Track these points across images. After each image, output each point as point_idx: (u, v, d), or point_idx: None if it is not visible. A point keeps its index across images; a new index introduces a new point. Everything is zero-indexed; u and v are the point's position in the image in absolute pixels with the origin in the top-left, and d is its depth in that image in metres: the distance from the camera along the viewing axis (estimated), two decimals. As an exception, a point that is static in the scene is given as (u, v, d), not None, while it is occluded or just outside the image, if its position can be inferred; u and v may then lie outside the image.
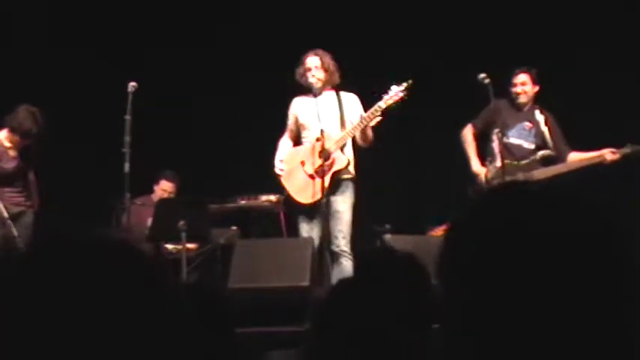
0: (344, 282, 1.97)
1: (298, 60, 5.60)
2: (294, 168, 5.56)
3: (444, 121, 6.52)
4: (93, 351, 0.89)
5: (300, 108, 5.65)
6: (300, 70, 5.58)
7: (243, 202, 6.28)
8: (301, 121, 5.62)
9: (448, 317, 0.96)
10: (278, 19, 7.31)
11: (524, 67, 5.89)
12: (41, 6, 7.29)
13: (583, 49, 6.79)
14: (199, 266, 6.13)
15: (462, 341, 0.94)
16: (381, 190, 7.09)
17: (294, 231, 5.67)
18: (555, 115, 5.92)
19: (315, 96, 5.50)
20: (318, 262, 5.20)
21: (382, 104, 5.39)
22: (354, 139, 5.54)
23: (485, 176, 5.79)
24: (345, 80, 5.64)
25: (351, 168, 5.54)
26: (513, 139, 5.86)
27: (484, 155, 5.90)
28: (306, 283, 4.93)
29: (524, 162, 5.80)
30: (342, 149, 5.48)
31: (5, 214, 5.68)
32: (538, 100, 5.95)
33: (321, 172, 5.35)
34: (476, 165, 5.88)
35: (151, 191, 6.89)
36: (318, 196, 5.35)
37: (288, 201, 5.64)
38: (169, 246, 6.26)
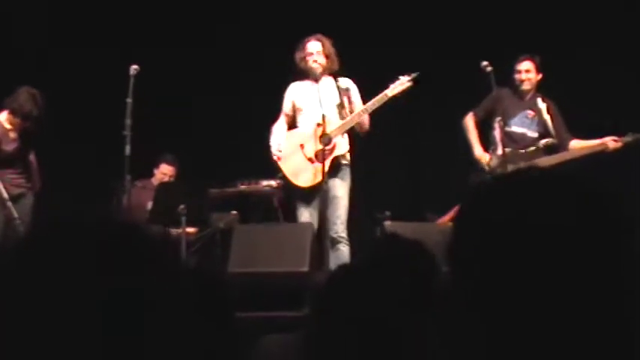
0: (344, 268, 1.98)
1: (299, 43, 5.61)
2: (292, 150, 5.57)
3: (445, 109, 6.52)
4: (97, 331, 0.89)
5: (297, 92, 5.66)
6: (300, 54, 5.58)
7: (243, 187, 6.28)
8: (298, 105, 5.63)
9: (457, 304, 0.96)
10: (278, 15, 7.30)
11: (527, 54, 5.88)
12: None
13: (583, 38, 6.76)
14: (199, 250, 6.14)
15: (470, 327, 0.94)
16: (380, 177, 7.10)
17: (290, 216, 5.68)
18: (557, 103, 5.92)
19: (317, 81, 5.51)
20: (318, 247, 5.21)
21: (389, 92, 5.45)
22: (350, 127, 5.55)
23: (488, 163, 5.79)
24: (346, 69, 5.64)
25: (347, 154, 5.55)
26: (516, 128, 5.86)
27: (486, 144, 5.90)
28: (305, 269, 4.94)
29: (527, 150, 5.81)
30: (342, 135, 5.50)
31: (5, 196, 5.68)
32: (540, 88, 5.94)
33: (321, 157, 5.37)
34: (478, 150, 5.87)
35: (151, 174, 6.90)
36: (317, 179, 5.37)
37: (287, 186, 5.65)
38: (169, 229, 6.27)
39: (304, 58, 5.56)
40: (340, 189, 5.46)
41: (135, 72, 5.57)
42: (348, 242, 5.41)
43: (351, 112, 5.52)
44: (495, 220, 0.94)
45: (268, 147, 5.64)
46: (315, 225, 5.38)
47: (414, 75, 5.49)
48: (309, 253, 5.03)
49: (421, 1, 7.20)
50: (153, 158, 6.87)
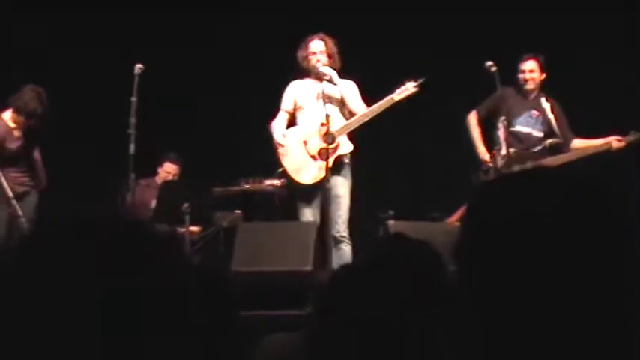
0: (346, 267, 1.98)
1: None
2: (295, 147, 5.58)
3: (448, 108, 6.51)
4: (100, 329, 0.90)
5: (298, 90, 5.67)
6: (302, 53, 5.60)
7: (246, 186, 6.29)
8: (299, 103, 5.65)
9: (463, 303, 0.97)
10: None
11: (531, 53, 5.87)
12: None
13: (583, 38, 6.75)
14: (202, 249, 6.15)
15: (474, 326, 0.94)
16: (383, 177, 7.10)
17: (292, 216, 5.69)
18: (560, 102, 5.92)
19: (321, 80, 5.52)
20: (320, 246, 5.22)
21: (395, 96, 5.50)
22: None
23: (491, 163, 5.78)
24: (348, 69, 5.66)
25: (349, 154, 5.58)
26: (521, 128, 5.86)
27: (490, 144, 5.89)
28: (308, 267, 4.94)
29: (533, 150, 5.80)
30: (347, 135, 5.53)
31: (10, 194, 5.70)
32: (543, 88, 5.94)
33: (324, 155, 5.38)
34: (481, 149, 5.87)
35: (155, 173, 6.90)
36: (319, 177, 5.39)
37: (289, 185, 5.66)
38: (173, 228, 6.29)
39: (307, 57, 5.57)
40: (342, 188, 5.48)
41: (139, 71, 5.58)
42: (350, 241, 5.44)
43: (350, 111, 5.54)
44: (501, 220, 0.94)
45: (271, 146, 5.65)
46: (318, 224, 5.40)
47: (420, 80, 5.53)
48: (313, 252, 5.03)
49: (423, 1, 7.19)
50: (157, 157, 6.88)
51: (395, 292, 1.63)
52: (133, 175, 5.52)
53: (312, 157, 5.53)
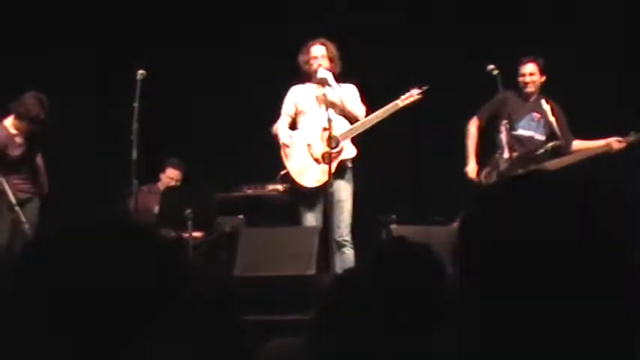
0: (350, 272, 1.98)
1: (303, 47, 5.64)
2: (299, 149, 5.59)
3: (451, 112, 6.51)
4: (104, 333, 0.90)
5: (300, 95, 5.69)
6: (304, 58, 5.61)
7: (249, 191, 6.30)
8: (301, 107, 5.66)
9: (463, 307, 0.97)
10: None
11: (531, 56, 5.86)
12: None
13: (582, 38, 6.75)
14: (205, 254, 6.15)
15: (477, 329, 0.94)
16: (386, 181, 7.09)
17: (295, 220, 5.69)
18: (559, 104, 5.92)
19: (323, 85, 5.52)
20: (323, 250, 5.22)
21: (400, 102, 5.55)
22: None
23: (476, 179, 5.78)
24: (350, 73, 5.67)
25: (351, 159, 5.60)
26: (523, 131, 5.85)
27: (490, 147, 5.89)
28: (311, 272, 4.94)
29: (536, 153, 5.80)
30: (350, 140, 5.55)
31: (14, 201, 5.70)
32: (542, 90, 5.93)
33: (328, 159, 5.39)
34: (471, 165, 5.86)
35: (157, 179, 6.91)
36: (323, 181, 5.40)
37: (292, 190, 5.67)
38: (176, 233, 6.29)
39: (308, 61, 5.59)
40: (344, 193, 5.49)
41: (141, 77, 5.59)
42: (352, 245, 5.45)
43: (348, 113, 5.56)
44: (497, 230, 0.94)
45: (273, 150, 5.65)
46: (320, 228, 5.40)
47: (424, 88, 5.56)
48: (316, 256, 5.03)
49: (427, 9, 7.20)
50: (159, 163, 6.88)
51: (396, 295, 1.63)
52: (135, 181, 5.53)
53: (316, 160, 5.54)
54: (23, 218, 5.67)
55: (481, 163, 5.92)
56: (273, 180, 6.05)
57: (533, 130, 5.87)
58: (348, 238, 5.45)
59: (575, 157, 5.80)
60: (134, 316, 0.91)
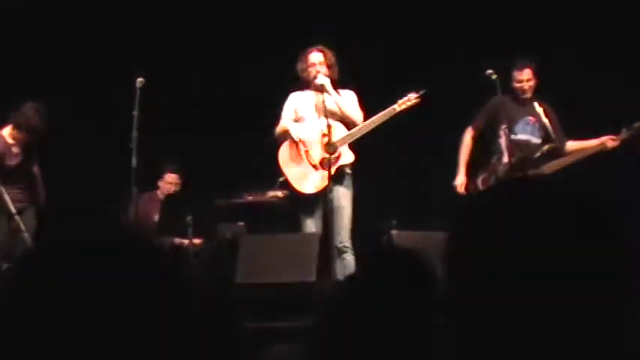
0: (350, 278, 1.98)
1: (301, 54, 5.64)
2: (296, 155, 5.59)
3: (452, 117, 6.51)
4: (104, 345, 0.90)
5: (299, 102, 5.70)
6: (302, 65, 5.62)
7: (250, 197, 6.30)
8: (300, 114, 5.66)
9: (454, 311, 0.97)
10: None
11: (525, 60, 5.84)
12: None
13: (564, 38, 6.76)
14: (206, 261, 6.15)
15: (468, 334, 0.94)
16: (386, 186, 7.09)
17: (294, 226, 5.69)
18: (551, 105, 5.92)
19: (322, 92, 5.53)
20: (324, 256, 5.22)
21: (396, 107, 5.54)
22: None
23: (481, 182, 5.77)
24: (351, 81, 5.68)
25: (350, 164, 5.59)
26: (520, 135, 5.85)
27: (487, 153, 5.88)
28: (312, 279, 4.94)
29: (533, 157, 5.80)
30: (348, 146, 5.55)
31: (13, 210, 5.71)
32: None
33: (326, 164, 5.39)
34: (460, 178, 5.84)
35: (156, 187, 6.89)
36: (322, 187, 5.40)
37: (292, 196, 5.67)
38: (176, 240, 6.31)
39: (306, 68, 5.60)
40: (344, 198, 5.49)
41: (141, 84, 5.59)
42: (353, 251, 5.43)
43: (346, 119, 5.56)
44: (485, 236, 0.94)
45: (274, 157, 5.65)
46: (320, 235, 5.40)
47: (421, 92, 5.56)
48: (317, 263, 5.03)
49: (425, 11, 7.21)
50: (157, 169, 6.88)
51: (393, 302, 1.63)
52: (135, 190, 5.53)
53: (314, 166, 5.54)
54: (23, 227, 5.67)
55: (476, 169, 5.91)
56: (273, 186, 6.06)
57: (529, 134, 5.86)
58: (348, 244, 5.44)
59: (572, 158, 5.80)
60: (134, 325, 0.91)
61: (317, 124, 5.56)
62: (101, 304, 0.90)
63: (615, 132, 5.75)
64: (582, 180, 5.60)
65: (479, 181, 5.82)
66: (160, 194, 6.80)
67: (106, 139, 6.60)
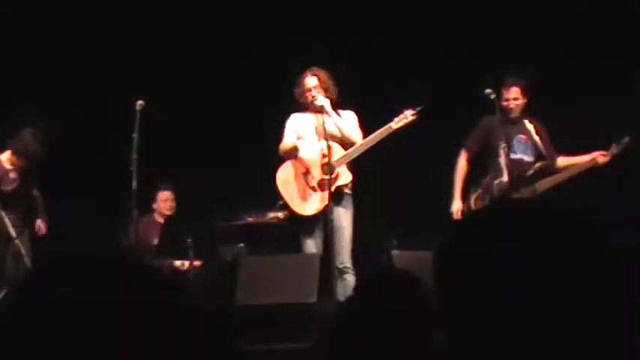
0: (350, 300, 1.98)
1: (297, 79, 5.68)
2: (295, 177, 5.60)
3: (449, 136, 6.52)
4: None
5: (300, 123, 5.73)
6: (299, 91, 5.67)
7: (250, 219, 6.30)
8: (301, 135, 5.68)
9: (447, 329, 0.97)
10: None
11: (514, 78, 5.85)
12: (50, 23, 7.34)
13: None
14: (206, 283, 6.14)
15: (466, 354, 0.94)
16: (387, 206, 7.09)
17: (295, 247, 5.68)
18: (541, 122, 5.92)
19: (322, 113, 5.54)
20: (324, 277, 5.21)
21: (393, 125, 5.55)
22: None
23: (474, 201, 5.77)
24: (345, 99, 5.70)
25: (350, 184, 5.60)
26: (513, 154, 5.84)
27: (481, 172, 5.87)
28: (313, 300, 4.93)
29: (527, 175, 5.80)
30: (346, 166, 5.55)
31: (13, 234, 5.71)
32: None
33: (324, 185, 5.40)
34: (456, 203, 5.84)
35: (152, 210, 6.85)
36: (321, 208, 5.40)
37: (291, 217, 5.67)
38: (177, 262, 6.29)
39: (303, 93, 5.64)
40: (344, 219, 5.49)
41: (141, 107, 5.59)
42: (354, 271, 5.43)
43: (345, 139, 5.57)
44: (470, 258, 0.95)
45: (274, 179, 5.66)
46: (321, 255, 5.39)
47: (418, 108, 5.56)
48: (317, 283, 5.02)
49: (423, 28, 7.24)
50: (151, 193, 6.85)
51: (385, 322, 1.63)
52: (136, 212, 5.52)
53: (313, 188, 5.55)
54: (23, 250, 5.67)
55: (467, 187, 5.90)
56: (273, 208, 6.06)
57: (521, 153, 5.86)
58: (349, 264, 5.44)
59: (565, 175, 5.81)
60: (134, 349, 0.91)
61: (317, 146, 5.57)
62: (101, 326, 0.90)
63: (605, 147, 5.77)
64: (573, 197, 5.63)
65: (471, 201, 5.81)
66: (158, 217, 6.78)
67: (107, 162, 6.61)
